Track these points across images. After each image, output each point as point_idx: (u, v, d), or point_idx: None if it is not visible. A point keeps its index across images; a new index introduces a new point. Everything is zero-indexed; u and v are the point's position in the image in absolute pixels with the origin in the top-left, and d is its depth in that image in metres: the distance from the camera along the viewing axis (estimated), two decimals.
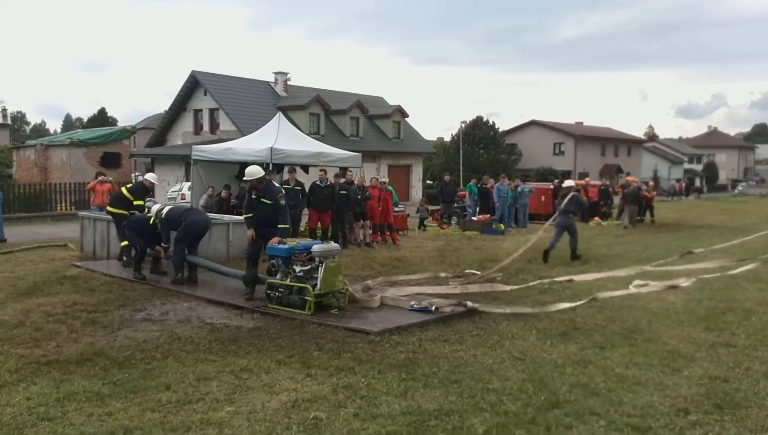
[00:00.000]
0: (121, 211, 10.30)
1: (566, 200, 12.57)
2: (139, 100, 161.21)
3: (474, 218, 18.97)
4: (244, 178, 7.95)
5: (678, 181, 57.51)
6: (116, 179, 25.02)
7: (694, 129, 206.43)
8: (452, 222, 19.76)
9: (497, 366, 5.52)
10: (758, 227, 21.39)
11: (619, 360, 5.74)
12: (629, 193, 20.99)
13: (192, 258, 9.19)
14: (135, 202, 10.35)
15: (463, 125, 46.78)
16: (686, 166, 72.52)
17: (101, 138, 29.27)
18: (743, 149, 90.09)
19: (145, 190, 10.85)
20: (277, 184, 7.80)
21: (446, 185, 20.91)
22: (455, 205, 20.80)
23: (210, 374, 5.17)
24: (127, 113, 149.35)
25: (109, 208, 10.74)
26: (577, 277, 10.13)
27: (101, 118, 67.03)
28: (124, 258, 10.39)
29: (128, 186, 11.00)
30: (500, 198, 19.56)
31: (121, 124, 48.83)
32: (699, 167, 76.39)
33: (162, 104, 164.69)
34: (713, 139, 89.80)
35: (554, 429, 4.17)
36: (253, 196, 7.88)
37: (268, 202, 7.71)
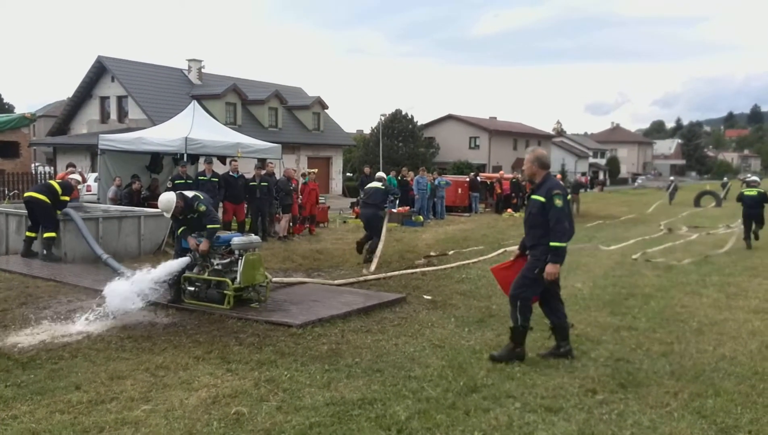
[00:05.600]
0: (46, 200, 9.96)
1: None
2: (39, 85, 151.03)
3: (394, 210, 19.19)
4: (164, 213, 7.52)
5: (584, 174, 60.68)
6: (14, 170, 23.32)
7: (600, 125, 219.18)
8: None
9: (418, 354, 5.64)
10: (656, 218, 23.02)
11: (532, 344, 5.99)
12: (574, 184, 26.88)
13: (109, 261, 8.99)
14: (62, 197, 10.14)
15: (383, 118, 47.11)
16: (591, 160, 76.67)
17: None
18: (642, 144, 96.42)
19: (71, 188, 10.65)
20: (189, 195, 7.43)
21: (366, 178, 21.03)
22: None
23: (123, 373, 4.96)
24: (26, 100, 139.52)
25: (34, 193, 10.15)
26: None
27: None
28: (45, 251, 9.99)
29: (59, 181, 10.78)
30: (419, 190, 19.92)
31: (19, 111, 45.46)
32: (603, 161, 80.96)
33: (65, 91, 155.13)
34: (616, 135, 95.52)
35: (473, 412, 4.31)
36: (179, 218, 7.50)
37: (193, 215, 7.40)
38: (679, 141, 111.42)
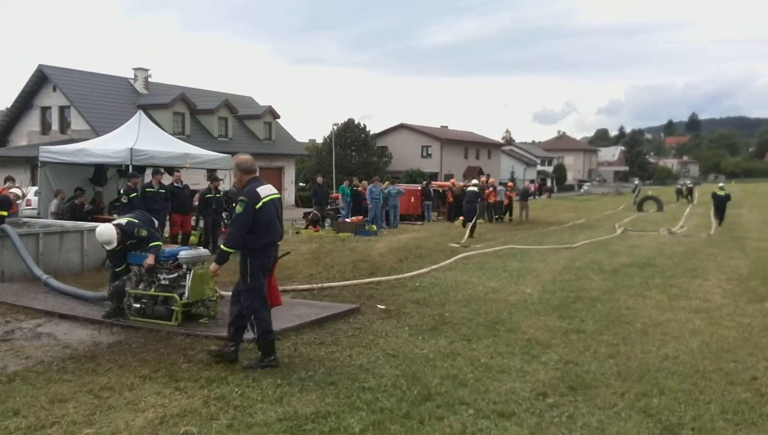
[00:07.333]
0: None
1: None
2: None
3: (347, 220, 19.15)
4: (106, 246, 7.28)
5: (532, 181, 62.16)
6: None
7: (547, 133, 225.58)
8: (325, 224, 19.81)
9: (372, 364, 5.61)
10: (601, 223, 23.71)
11: (485, 350, 6.07)
12: (522, 191, 27.33)
13: (50, 281, 8.60)
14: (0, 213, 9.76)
15: (335, 127, 47.06)
16: (539, 167, 78.52)
17: None
18: (588, 152, 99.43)
19: (10, 203, 10.27)
20: (124, 221, 7.28)
21: (319, 187, 20.93)
22: (329, 207, 20.88)
23: (65, 395, 4.74)
24: None
25: None
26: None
27: None
28: None
29: None
30: (373, 199, 19.94)
31: None
32: (550, 169, 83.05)
33: (3, 101, 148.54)
34: (562, 143, 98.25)
35: (427, 421, 4.32)
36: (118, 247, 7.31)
37: (134, 241, 7.23)
38: (622, 148, 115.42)
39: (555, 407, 4.61)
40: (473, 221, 17.93)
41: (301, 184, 44.14)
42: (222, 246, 5.53)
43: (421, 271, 11.00)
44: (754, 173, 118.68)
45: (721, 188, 24.14)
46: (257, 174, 5.83)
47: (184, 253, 7.16)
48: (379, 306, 8.09)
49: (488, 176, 33.85)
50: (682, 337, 6.63)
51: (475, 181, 21.16)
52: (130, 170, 12.90)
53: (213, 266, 5.69)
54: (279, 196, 5.81)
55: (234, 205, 5.58)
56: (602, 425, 4.30)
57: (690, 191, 41.96)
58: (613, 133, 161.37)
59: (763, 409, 4.63)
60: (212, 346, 5.78)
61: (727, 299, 8.77)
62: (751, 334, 6.81)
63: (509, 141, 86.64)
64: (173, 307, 6.87)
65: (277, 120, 38.56)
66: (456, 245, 14.96)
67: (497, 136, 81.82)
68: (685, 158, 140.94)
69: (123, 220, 7.31)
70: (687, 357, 5.91)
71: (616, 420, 4.39)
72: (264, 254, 5.51)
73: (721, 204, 23.03)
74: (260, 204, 5.43)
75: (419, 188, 24.61)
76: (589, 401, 4.74)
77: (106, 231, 7.08)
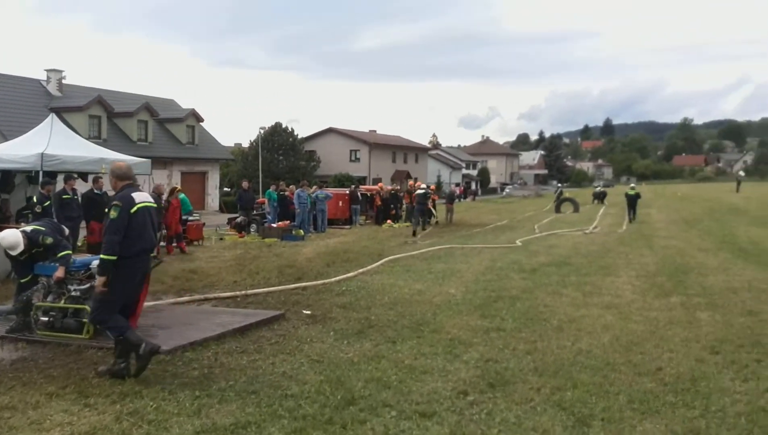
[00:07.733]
0: None
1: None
2: None
3: (274, 225, 18.87)
4: (10, 251, 6.81)
5: (458, 185, 63.61)
6: None
7: (472, 138, 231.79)
8: (251, 229, 19.45)
9: (296, 371, 5.54)
10: (522, 224, 24.54)
11: (409, 352, 6.13)
12: (448, 194, 28.26)
13: None
14: None
15: (262, 131, 46.37)
16: (464, 171, 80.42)
17: None
18: (510, 156, 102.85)
19: None
20: (29, 228, 6.86)
21: (245, 192, 20.52)
22: (254, 212, 20.51)
23: None
24: None
25: None
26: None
27: None
28: None
29: None
30: (300, 204, 19.75)
31: None
32: (474, 172, 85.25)
33: None
34: (485, 148, 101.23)
35: (350, 425, 4.31)
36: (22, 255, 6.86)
37: (40, 249, 6.82)
38: (542, 152, 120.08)
39: (475, 405, 4.72)
40: (423, 219, 20.94)
41: (225, 189, 43.17)
42: (102, 255, 5.24)
43: (348, 275, 10.99)
44: (663, 175, 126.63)
45: (632, 188, 27.21)
46: (133, 181, 5.65)
47: (96, 263, 6.80)
48: (304, 311, 8.02)
49: (416, 180, 34.33)
50: (595, 332, 6.95)
51: (423, 185, 23.30)
52: (41, 176, 12.19)
53: (99, 280, 5.29)
54: (154, 204, 5.71)
55: (108, 210, 5.30)
56: (519, 420, 4.44)
57: (604, 195, 43.84)
58: (534, 137, 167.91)
59: (667, 397, 4.92)
60: (100, 367, 5.42)
61: (636, 295, 9.27)
62: (657, 327, 7.24)
63: (436, 145, 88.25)
64: (84, 320, 6.52)
65: (201, 123, 37.53)
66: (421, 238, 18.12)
67: (424, 141, 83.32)
68: (599, 161, 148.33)
69: (28, 228, 6.91)
70: (599, 351, 6.19)
71: (532, 414, 4.54)
72: (132, 265, 5.30)
73: (632, 202, 26.20)
74: (135, 209, 5.30)
75: (347, 192, 24.61)
76: (507, 397, 4.88)
77: (11, 235, 6.66)
